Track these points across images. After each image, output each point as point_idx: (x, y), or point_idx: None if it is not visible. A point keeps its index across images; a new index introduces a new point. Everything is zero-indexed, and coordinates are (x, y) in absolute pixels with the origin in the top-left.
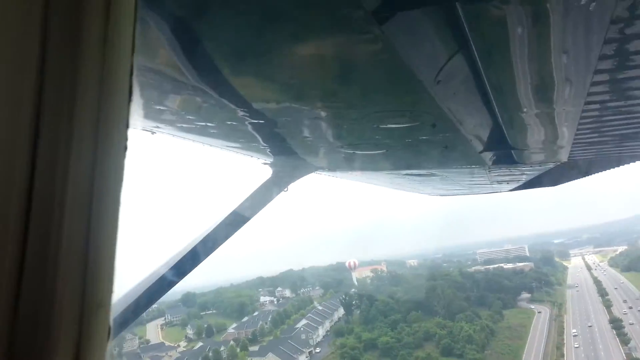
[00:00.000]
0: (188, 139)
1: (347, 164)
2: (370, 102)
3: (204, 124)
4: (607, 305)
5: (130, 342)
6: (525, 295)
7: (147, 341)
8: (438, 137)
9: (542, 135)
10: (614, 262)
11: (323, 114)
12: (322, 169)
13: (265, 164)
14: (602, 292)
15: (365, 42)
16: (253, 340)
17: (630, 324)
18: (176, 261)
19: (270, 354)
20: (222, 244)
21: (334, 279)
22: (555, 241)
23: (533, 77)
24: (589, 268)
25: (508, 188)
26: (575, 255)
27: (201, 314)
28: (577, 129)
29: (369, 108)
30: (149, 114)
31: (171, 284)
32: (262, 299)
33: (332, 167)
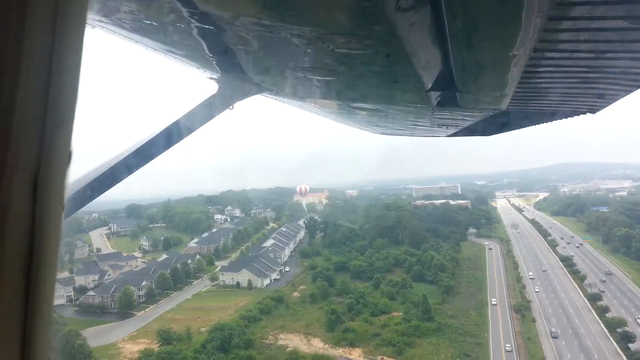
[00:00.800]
0: (130, 38)
1: (295, 88)
2: (325, 22)
3: (147, 21)
4: (553, 245)
5: (80, 249)
6: (472, 230)
7: (99, 249)
8: (390, 70)
9: (488, 80)
10: (540, 206)
11: (274, 29)
12: (269, 91)
13: (211, 78)
14: (544, 233)
15: None
16: (217, 255)
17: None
18: (111, 166)
19: (244, 270)
20: (160, 154)
21: (278, 202)
22: (478, 182)
23: (489, 18)
24: (519, 210)
25: (447, 133)
26: (499, 197)
27: (150, 226)
28: (520, 80)
29: (324, 29)
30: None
31: (104, 188)
32: (215, 216)
33: (280, 91)
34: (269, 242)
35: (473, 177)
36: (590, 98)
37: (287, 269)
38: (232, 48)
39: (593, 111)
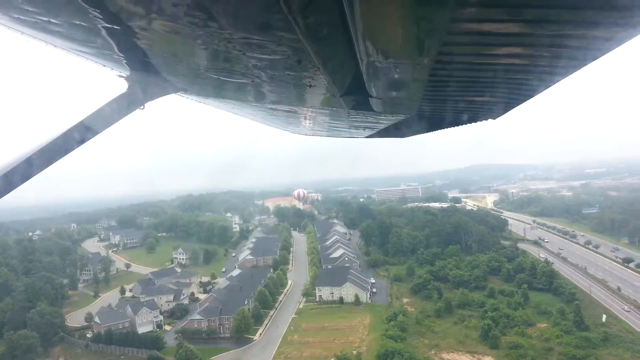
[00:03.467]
0: (27, 34)
1: (210, 89)
2: (237, 28)
3: (46, 19)
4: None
5: (101, 264)
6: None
7: (128, 265)
8: (303, 75)
9: (396, 88)
10: (503, 206)
11: (187, 31)
12: (184, 90)
13: (120, 76)
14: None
15: None
16: (276, 268)
17: None
18: (8, 169)
19: (347, 283)
20: (64, 156)
21: (248, 207)
22: (412, 184)
23: (394, 28)
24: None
25: (364, 134)
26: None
27: (158, 235)
28: (426, 88)
29: (235, 33)
30: None
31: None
32: (235, 226)
33: (195, 91)
34: (339, 252)
35: (401, 179)
36: (491, 105)
37: (372, 280)
38: (142, 45)
39: (494, 117)
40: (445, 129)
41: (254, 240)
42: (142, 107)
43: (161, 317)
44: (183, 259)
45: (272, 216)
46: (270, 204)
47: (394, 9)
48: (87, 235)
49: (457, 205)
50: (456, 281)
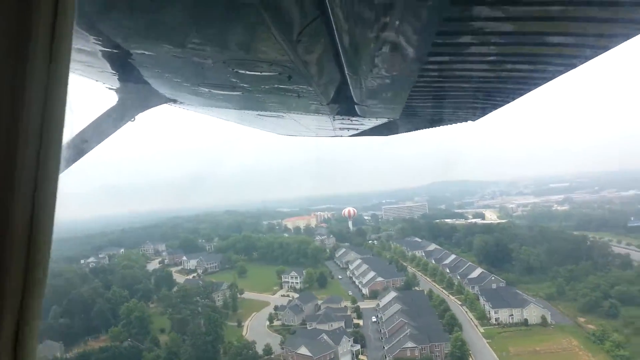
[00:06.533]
0: None
1: (200, 100)
2: (229, 51)
3: None
4: None
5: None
6: None
7: (241, 290)
8: (293, 87)
9: (381, 96)
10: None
11: (180, 53)
12: (174, 101)
13: (110, 89)
14: None
15: (238, 4)
16: (407, 289)
17: None
18: None
19: (531, 304)
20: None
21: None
22: (390, 200)
23: (379, 45)
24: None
25: (348, 134)
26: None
27: (241, 257)
28: (410, 94)
29: (227, 55)
30: None
31: None
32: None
33: (185, 102)
34: (476, 272)
35: (372, 196)
36: (470, 108)
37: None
38: (132, 60)
39: (473, 119)
40: (426, 129)
41: (358, 261)
42: (132, 119)
43: (358, 346)
44: (296, 282)
45: (331, 236)
46: (289, 224)
47: (378, 29)
48: (149, 258)
49: (490, 220)
50: (621, 298)
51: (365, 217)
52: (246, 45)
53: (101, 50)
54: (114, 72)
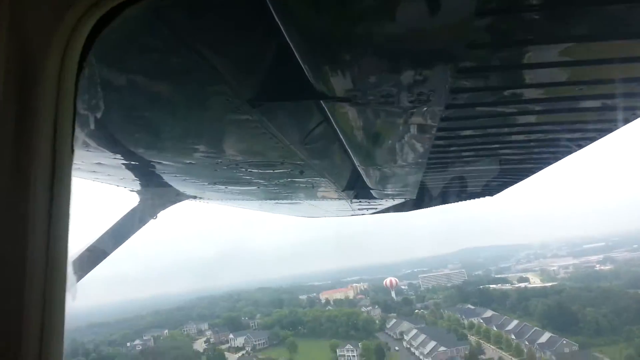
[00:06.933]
0: None
1: (219, 194)
2: (240, 156)
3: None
4: None
5: None
6: None
7: None
8: (306, 179)
9: (394, 182)
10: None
11: (196, 161)
12: (194, 197)
13: (132, 191)
14: None
15: (241, 120)
16: None
17: None
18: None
19: None
20: (87, 273)
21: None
22: (423, 269)
23: (384, 142)
24: None
25: (368, 213)
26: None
27: (288, 332)
28: (424, 178)
29: (240, 159)
30: None
31: None
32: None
33: (205, 197)
34: (545, 336)
35: (401, 266)
36: (485, 186)
37: None
38: (152, 168)
39: (492, 194)
40: (445, 205)
41: (414, 331)
42: (154, 216)
43: None
44: (353, 356)
45: (376, 307)
46: (327, 296)
47: (382, 127)
48: (193, 338)
49: (536, 284)
50: None
51: (402, 287)
52: (255, 150)
53: (123, 163)
54: (135, 178)
